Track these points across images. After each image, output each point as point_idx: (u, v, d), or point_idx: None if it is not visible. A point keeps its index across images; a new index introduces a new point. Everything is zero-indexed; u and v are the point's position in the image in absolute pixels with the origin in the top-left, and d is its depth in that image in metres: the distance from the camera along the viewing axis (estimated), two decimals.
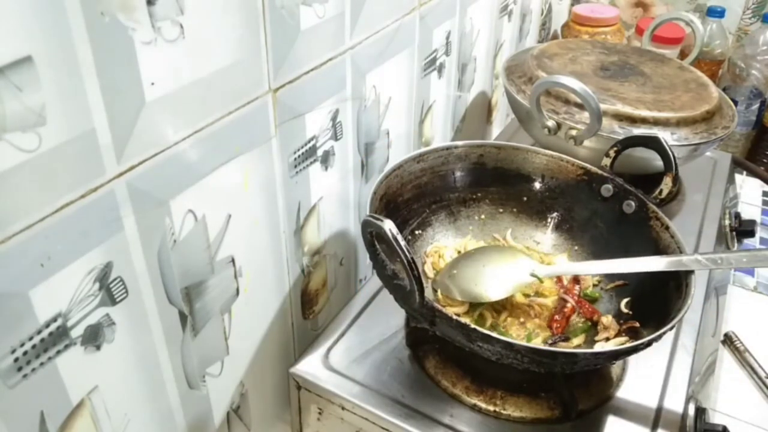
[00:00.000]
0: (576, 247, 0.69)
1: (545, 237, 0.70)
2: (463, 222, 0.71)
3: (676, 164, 0.62)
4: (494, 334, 0.47)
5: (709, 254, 0.53)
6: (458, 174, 0.70)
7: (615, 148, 0.66)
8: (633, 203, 0.64)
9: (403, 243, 0.46)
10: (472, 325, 0.47)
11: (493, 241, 0.70)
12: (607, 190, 0.66)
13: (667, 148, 0.62)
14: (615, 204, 0.65)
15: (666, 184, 0.62)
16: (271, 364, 0.63)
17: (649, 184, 0.63)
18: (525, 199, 0.71)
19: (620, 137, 0.67)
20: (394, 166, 0.63)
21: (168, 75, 0.40)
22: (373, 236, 0.50)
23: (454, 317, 0.48)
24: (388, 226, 0.46)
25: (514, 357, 0.48)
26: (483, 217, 0.71)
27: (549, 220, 0.71)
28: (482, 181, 0.71)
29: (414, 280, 0.47)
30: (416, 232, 0.68)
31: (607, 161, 0.66)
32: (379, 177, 0.61)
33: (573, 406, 0.55)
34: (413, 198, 0.67)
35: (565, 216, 0.70)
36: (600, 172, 0.67)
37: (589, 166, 0.68)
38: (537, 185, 0.71)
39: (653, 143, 0.63)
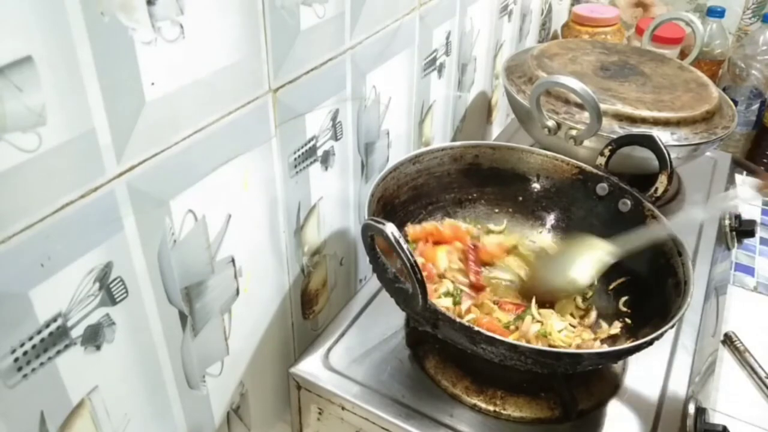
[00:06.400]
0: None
1: (541, 236, 0.70)
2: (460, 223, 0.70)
3: (671, 162, 0.62)
4: (498, 337, 0.47)
5: None
6: (454, 175, 0.70)
7: (609, 147, 0.66)
8: (629, 202, 0.64)
9: (405, 246, 0.45)
10: (476, 328, 0.47)
11: (486, 230, 0.70)
12: (602, 189, 0.66)
13: (662, 146, 0.62)
14: (611, 203, 0.65)
15: (661, 183, 0.62)
16: (271, 364, 0.63)
17: (650, 184, 0.63)
18: (520, 199, 0.71)
19: None
20: (390, 168, 0.63)
21: (168, 75, 0.40)
22: (373, 240, 0.50)
23: (458, 320, 0.48)
24: (390, 229, 0.46)
25: (517, 359, 0.48)
26: (479, 217, 0.71)
27: (545, 219, 0.71)
28: (478, 181, 0.71)
29: (417, 283, 0.47)
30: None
31: (601, 160, 0.66)
32: (375, 179, 0.61)
33: (573, 406, 0.55)
34: (410, 200, 0.67)
35: (561, 215, 0.70)
36: (595, 171, 0.67)
37: (583, 165, 0.68)
38: (532, 185, 0.71)
39: (647, 141, 0.63)
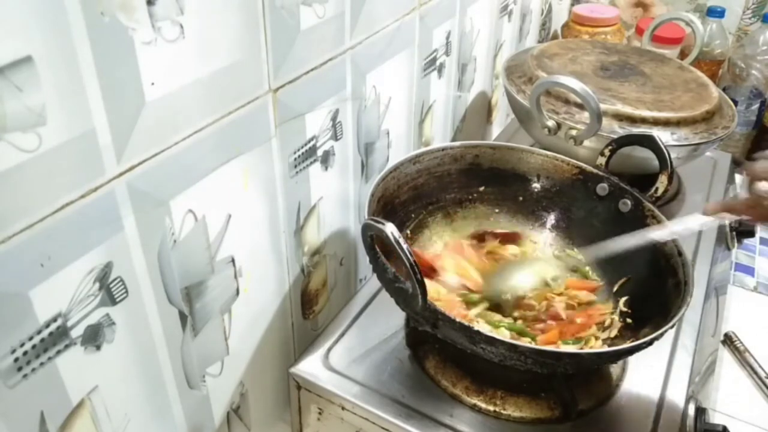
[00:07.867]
0: (573, 247, 0.69)
1: (541, 237, 0.70)
2: (460, 223, 0.70)
3: (671, 162, 0.62)
4: (498, 336, 0.47)
5: None
6: (454, 175, 0.70)
7: (610, 147, 0.66)
8: (629, 202, 0.64)
9: (405, 246, 0.45)
10: (476, 327, 0.47)
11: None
12: (602, 189, 0.66)
13: (662, 146, 0.62)
14: (611, 203, 0.66)
15: (662, 182, 0.62)
16: (271, 364, 0.63)
17: (650, 184, 0.63)
18: (521, 199, 0.71)
19: None
20: (391, 168, 0.63)
21: (168, 75, 0.40)
22: (373, 240, 0.50)
23: (458, 320, 0.48)
24: (390, 229, 0.46)
25: (517, 358, 0.48)
26: (479, 217, 0.71)
27: (545, 219, 0.71)
28: (478, 181, 0.71)
29: (417, 283, 0.47)
30: (413, 235, 0.68)
31: (602, 160, 0.67)
32: (375, 179, 0.61)
33: (573, 406, 0.55)
34: (410, 200, 0.67)
35: (562, 215, 0.70)
36: (595, 171, 0.67)
37: (584, 165, 0.68)
38: (533, 185, 0.71)
39: (648, 141, 0.63)
